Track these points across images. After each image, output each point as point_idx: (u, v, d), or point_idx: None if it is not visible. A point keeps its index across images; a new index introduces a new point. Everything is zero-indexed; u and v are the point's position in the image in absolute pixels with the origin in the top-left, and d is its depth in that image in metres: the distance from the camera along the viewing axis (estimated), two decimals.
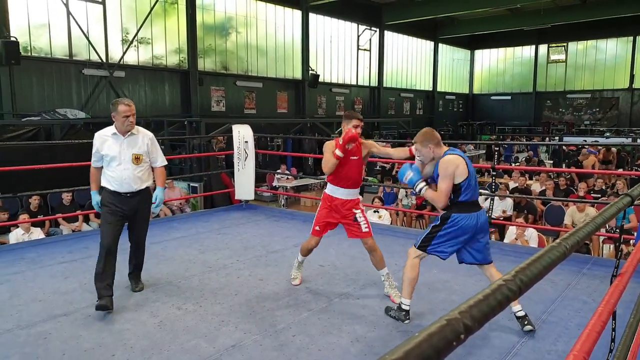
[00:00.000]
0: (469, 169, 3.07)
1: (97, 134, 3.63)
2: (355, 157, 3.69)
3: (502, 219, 7.44)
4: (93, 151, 3.61)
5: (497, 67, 32.20)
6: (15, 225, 6.67)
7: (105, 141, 3.57)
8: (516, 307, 3.14)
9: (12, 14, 12.74)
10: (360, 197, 3.86)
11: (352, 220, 3.73)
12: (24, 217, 6.66)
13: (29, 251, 4.95)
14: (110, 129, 3.60)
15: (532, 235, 6.34)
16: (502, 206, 7.77)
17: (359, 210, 3.75)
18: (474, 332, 0.61)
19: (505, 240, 6.55)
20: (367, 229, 3.72)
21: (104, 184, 3.59)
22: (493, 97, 32.35)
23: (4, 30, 12.34)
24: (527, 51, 30.64)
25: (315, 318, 3.35)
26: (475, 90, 33.35)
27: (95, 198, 3.67)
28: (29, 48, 13.31)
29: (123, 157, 3.56)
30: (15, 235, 6.50)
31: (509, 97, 31.56)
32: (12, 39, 12.31)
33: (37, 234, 6.65)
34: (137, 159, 3.61)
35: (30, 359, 2.77)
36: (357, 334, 3.13)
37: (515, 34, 27.31)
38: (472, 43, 31.78)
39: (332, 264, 4.54)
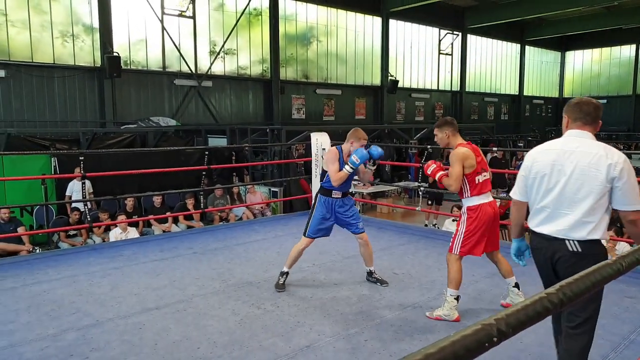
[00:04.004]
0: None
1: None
2: None
3: None
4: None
5: (591, 68, 30.16)
6: (115, 225, 7.33)
7: None
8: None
9: (115, 32, 14.01)
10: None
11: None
12: (121, 217, 7.31)
13: (126, 249, 5.43)
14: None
15: (624, 249, 5.92)
16: None
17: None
18: (509, 337, 0.67)
19: None
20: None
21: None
22: None
23: (108, 46, 13.61)
24: (626, 51, 28.44)
25: (388, 325, 3.40)
26: (566, 94, 31.45)
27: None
28: (128, 62, 14.54)
29: None
30: (114, 234, 7.14)
31: (605, 101, 29.38)
32: (115, 54, 13.57)
33: (133, 233, 7.27)
34: None
35: (128, 346, 3.07)
36: (429, 342, 3.13)
37: (612, 32, 25.50)
38: (563, 44, 30.06)
39: (407, 272, 4.55)
